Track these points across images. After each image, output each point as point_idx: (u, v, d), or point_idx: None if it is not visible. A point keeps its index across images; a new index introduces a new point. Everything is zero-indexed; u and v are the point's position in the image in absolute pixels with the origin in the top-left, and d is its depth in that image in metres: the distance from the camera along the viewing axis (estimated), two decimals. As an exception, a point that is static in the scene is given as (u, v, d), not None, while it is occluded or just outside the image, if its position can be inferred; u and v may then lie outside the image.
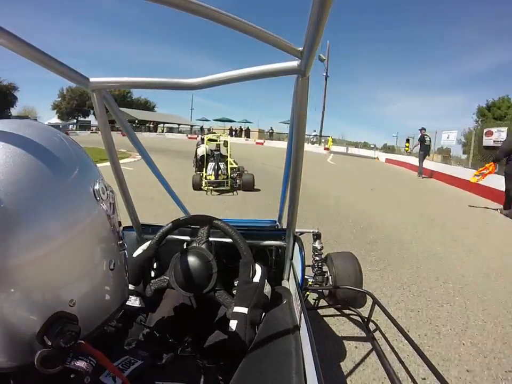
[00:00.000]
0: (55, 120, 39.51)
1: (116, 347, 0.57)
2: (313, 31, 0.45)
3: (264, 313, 0.86)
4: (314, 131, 26.15)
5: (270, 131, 29.58)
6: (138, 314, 0.84)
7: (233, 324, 0.77)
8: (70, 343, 0.38)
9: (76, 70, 0.72)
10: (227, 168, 6.31)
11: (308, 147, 21.76)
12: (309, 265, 1.95)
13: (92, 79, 0.77)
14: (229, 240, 0.95)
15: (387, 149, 20.26)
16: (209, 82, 0.67)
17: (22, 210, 0.36)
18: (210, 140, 7.00)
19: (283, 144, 22.21)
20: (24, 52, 0.58)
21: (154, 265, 1.14)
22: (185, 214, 1.60)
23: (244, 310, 0.79)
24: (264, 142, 25.53)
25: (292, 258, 1.22)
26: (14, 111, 37.76)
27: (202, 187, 6.01)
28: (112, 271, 0.49)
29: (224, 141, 7.07)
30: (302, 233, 1.84)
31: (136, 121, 34.94)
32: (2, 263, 0.34)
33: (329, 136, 23.45)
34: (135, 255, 0.98)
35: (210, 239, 1.00)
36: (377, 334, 1.74)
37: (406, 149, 14.61)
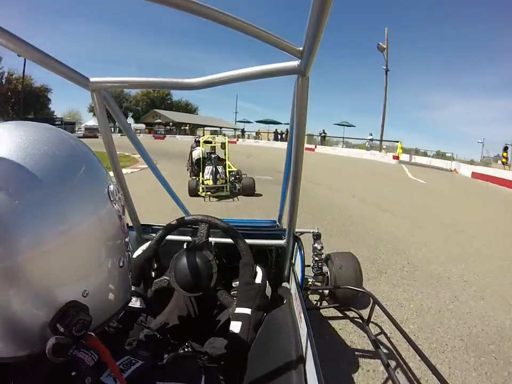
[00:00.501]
0: (92, 122, 36.20)
1: (116, 347, 0.57)
2: (313, 31, 0.45)
3: (264, 314, 0.86)
4: (371, 134, 20.39)
5: (322, 134, 22.83)
6: (139, 315, 0.84)
7: (236, 325, 0.77)
8: (82, 331, 0.40)
9: (76, 70, 0.73)
10: (225, 172, 5.86)
11: (366, 155, 17.70)
12: (309, 265, 1.96)
13: (92, 79, 0.77)
14: (229, 240, 0.95)
15: (441, 156, 17.92)
16: (210, 82, 0.67)
17: (31, 207, 0.37)
18: (206, 142, 6.47)
19: (338, 152, 18.19)
20: (24, 52, 0.58)
21: (155, 266, 1.14)
22: (185, 214, 1.61)
23: (247, 311, 0.79)
24: (315, 147, 20.32)
25: (292, 258, 1.22)
26: (59, 114, 37.38)
27: (199, 193, 5.55)
28: (121, 268, 0.51)
29: (222, 143, 6.50)
30: (302, 233, 1.84)
31: (171, 123, 31.95)
32: (13, 260, 0.36)
33: (397, 141, 17.11)
34: (134, 256, 0.98)
35: (210, 239, 1.00)
36: (377, 333, 1.74)
37: (504, 160, 11.39)
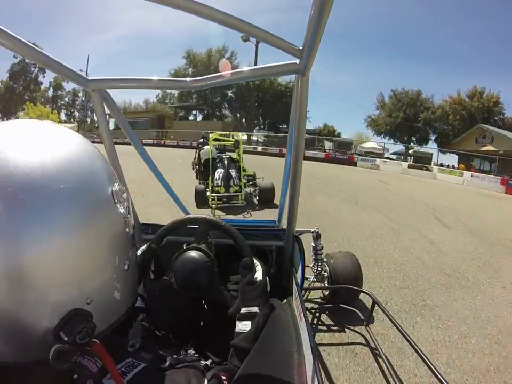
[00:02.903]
0: (370, 144, 22.64)
1: (119, 349, 0.57)
2: (313, 31, 0.45)
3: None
4: None
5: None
6: (137, 314, 0.83)
7: (244, 324, 0.76)
8: (85, 339, 0.39)
9: (75, 70, 0.73)
10: (240, 176, 4.67)
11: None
12: (309, 266, 1.95)
13: (91, 79, 0.77)
14: (229, 240, 0.95)
15: None
16: (210, 82, 0.67)
17: (35, 209, 0.37)
18: (215, 139, 5.23)
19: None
20: (24, 52, 0.58)
21: (154, 267, 1.13)
22: (185, 214, 1.60)
23: (254, 309, 0.79)
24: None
25: (291, 258, 1.22)
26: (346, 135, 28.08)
27: (209, 202, 4.29)
28: (127, 272, 0.49)
29: (235, 141, 5.26)
30: (302, 233, 1.84)
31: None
32: (17, 261, 0.35)
33: None
34: None
35: (210, 239, 1.00)
36: (377, 332, 1.73)
37: None
